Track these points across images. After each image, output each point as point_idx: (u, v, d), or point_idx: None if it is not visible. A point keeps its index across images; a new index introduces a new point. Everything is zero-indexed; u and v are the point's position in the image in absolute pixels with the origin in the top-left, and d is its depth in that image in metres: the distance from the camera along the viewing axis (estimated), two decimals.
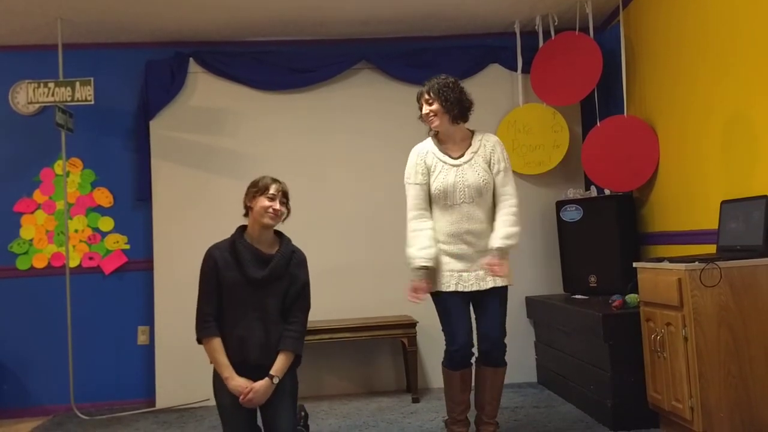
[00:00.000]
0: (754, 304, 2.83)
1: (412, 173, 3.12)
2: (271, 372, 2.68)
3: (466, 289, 3.03)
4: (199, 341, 2.74)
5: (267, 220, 2.75)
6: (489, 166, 3.08)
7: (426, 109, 3.07)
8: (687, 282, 2.84)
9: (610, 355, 3.37)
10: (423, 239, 3.03)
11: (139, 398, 4.48)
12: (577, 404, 3.82)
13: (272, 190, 2.78)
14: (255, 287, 2.71)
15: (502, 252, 3.01)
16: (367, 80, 4.68)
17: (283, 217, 2.83)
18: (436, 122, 3.07)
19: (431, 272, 3.05)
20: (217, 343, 2.69)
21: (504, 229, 3.02)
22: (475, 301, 3.09)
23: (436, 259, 3.04)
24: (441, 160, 3.09)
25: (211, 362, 2.73)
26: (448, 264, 3.05)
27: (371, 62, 4.65)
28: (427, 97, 3.07)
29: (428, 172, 3.09)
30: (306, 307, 2.84)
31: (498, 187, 3.09)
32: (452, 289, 3.03)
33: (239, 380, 2.66)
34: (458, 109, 3.06)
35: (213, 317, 2.72)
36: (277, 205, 2.76)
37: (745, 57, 3.13)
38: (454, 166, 3.06)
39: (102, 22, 4.28)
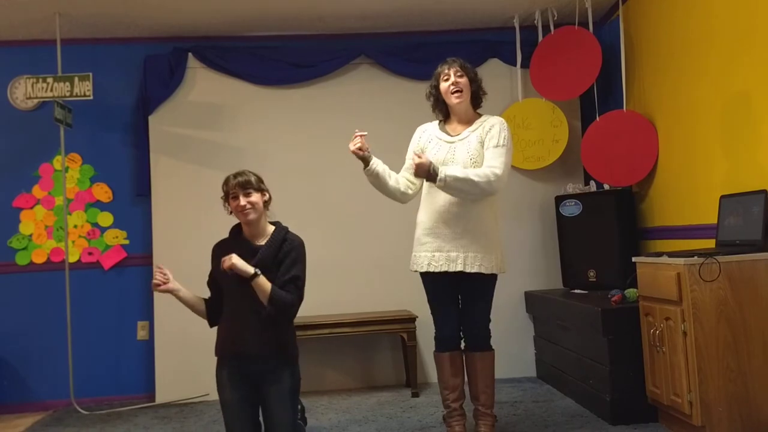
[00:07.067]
0: (753, 298, 2.84)
1: (410, 148, 3.15)
2: (257, 269, 2.67)
3: (436, 270, 2.99)
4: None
5: (243, 218, 2.78)
6: (482, 144, 3.01)
7: (453, 78, 3.02)
8: (686, 276, 2.84)
9: (609, 350, 3.37)
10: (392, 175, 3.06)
11: (139, 393, 4.49)
12: (576, 399, 3.82)
13: (232, 189, 2.76)
14: (246, 279, 2.68)
15: (438, 176, 2.82)
16: (366, 75, 4.67)
17: (264, 202, 2.80)
18: (462, 97, 3.04)
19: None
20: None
21: (466, 170, 2.90)
22: (460, 284, 3.06)
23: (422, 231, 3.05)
24: (437, 137, 3.07)
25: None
26: (426, 244, 3.02)
27: (370, 57, 4.64)
28: (456, 69, 3.03)
29: (421, 150, 3.03)
30: (296, 276, 2.75)
31: (486, 160, 2.94)
32: (425, 269, 3.01)
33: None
34: (477, 88, 3.09)
35: (211, 304, 2.90)
36: (242, 201, 2.74)
37: (746, 52, 3.13)
38: (447, 142, 3.05)
39: (101, 17, 4.27)
